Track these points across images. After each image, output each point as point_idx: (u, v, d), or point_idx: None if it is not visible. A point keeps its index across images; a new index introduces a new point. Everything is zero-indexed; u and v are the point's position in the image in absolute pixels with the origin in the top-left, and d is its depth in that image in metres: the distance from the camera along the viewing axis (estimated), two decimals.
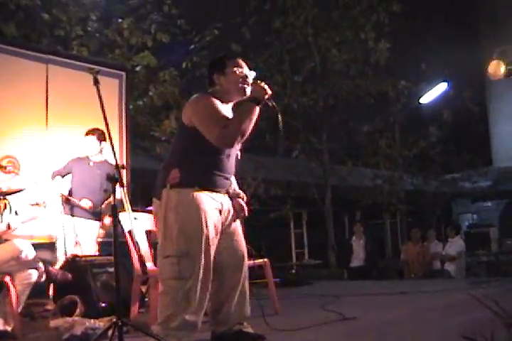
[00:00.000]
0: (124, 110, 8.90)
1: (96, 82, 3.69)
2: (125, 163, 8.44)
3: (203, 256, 3.82)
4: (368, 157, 17.08)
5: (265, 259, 5.80)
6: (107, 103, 8.23)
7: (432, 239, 13.10)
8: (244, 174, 12.99)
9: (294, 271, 11.38)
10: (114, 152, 3.54)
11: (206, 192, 3.94)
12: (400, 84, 15.72)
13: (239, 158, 4.23)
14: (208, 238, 3.85)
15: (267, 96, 3.95)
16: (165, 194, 3.89)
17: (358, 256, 12.88)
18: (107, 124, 3.67)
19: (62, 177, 7.11)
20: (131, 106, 10.36)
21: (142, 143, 12.34)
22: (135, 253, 5.08)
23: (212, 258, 3.89)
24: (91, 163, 7.15)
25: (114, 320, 3.21)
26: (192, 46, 13.27)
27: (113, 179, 3.34)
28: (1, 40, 8.70)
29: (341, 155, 16.83)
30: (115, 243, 3.31)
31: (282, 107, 13.81)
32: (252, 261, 5.47)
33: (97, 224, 7.06)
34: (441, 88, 16.88)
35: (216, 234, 3.97)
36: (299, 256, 17.03)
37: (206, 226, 3.85)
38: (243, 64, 4.16)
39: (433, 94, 17.03)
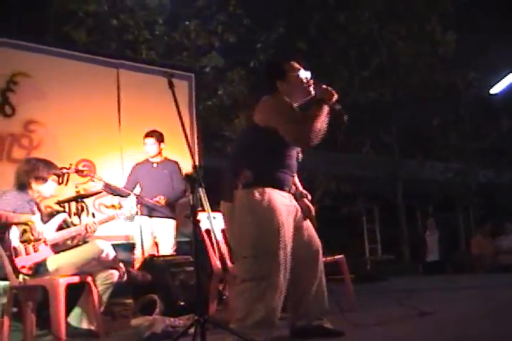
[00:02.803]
0: (194, 111, 9.04)
1: (171, 85, 3.75)
2: (198, 164, 8.55)
3: (281, 255, 3.83)
4: (439, 150, 16.89)
5: (341, 255, 5.85)
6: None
7: (508, 232, 12.89)
8: (315, 170, 13.02)
9: (368, 267, 11.35)
10: (192, 153, 3.59)
11: (277, 191, 3.95)
12: (469, 75, 15.51)
13: (299, 159, 4.26)
14: (284, 237, 3.86)
15: (334, 100, 3.95)
16: (238, 195, 3.90)
17: (432, 250, 12.79)
18: (183, 125, 3.71)
19: (133, 189, 7.22)
20: (200, 107, 10.48)
21: (214, 143, 12.44)
22: (213, 252, 5.16)
23: (289, 256, 3.90)
24: (154, 165, 7.27)
25: (196, 317, 3.27)
26: (258, 45, 13.33)
27: (192, 179, 3.39)
28: (73, 47, 8.90)
29: (411, 149, 16.66)
30: (196, 242, 3.38)
31: (350, 102, 13.80)
32: (329, 257, 5.55)
33: (174, 222, 7.18)
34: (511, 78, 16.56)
35: (291, 232, 3.98)
36: (372, 252, 16.98)
37: (282, 226, 3.86)
38: (298, 65, 4.19)
39: (503, 84, 16.72)
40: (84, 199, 6.81)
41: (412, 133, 16.36)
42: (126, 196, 6.73)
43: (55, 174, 5.19)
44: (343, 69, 14.70)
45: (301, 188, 4.38)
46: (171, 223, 7.12)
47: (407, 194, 15.63)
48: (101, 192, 7.24)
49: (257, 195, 3.87)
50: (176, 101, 3.73)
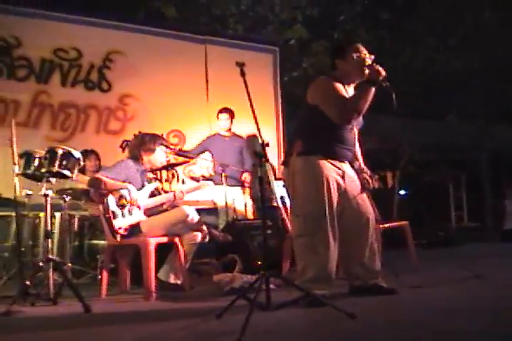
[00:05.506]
0: (278, 82, 9.49)
1: (243, 75, 4.24)
2: (282, 130, 9.10)
3: (327, 215, 4.38)
4: None
5: (405, 222, 6.28)
6: (262, 77, 8.82)
7: None
8: (400, 140, 13.22)
9: (441, 234, 11.44)
10: (259, 131, 4.09)
11: (328, 160, 4.52)
12: None
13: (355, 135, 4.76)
14: (330, 200, 4.42)
15: (381, 78, 4.35)
16: (292, 161, 4.55)
17: (510, 219, 12.83)
18: (252, 107, 4.17)
19: (199, 154, 7.93)
20: (285, 78, 10.89)
21: (297, 112, 12.73)
22: (286, 216, 5.70)
23: (335, 217, 4.44)
24: (226, 139, 7.89)
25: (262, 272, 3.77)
26: (342, 17, 13.49)
27: (259, 155, 3.94)
28: (161, 24, 9.39)
29: (498, 117, 16.55)
30: (263, 208, 3.90)
31: (435, 71, 13.85)
32: (395, 223, 6.02)
33: (247, 191, 7.88)
34: None
35: (337, 196, 4.52)
36: (458, 219, 17.01)
37: (327, 190, 4.42)
38: (362, 48, 4.62)
39: None
40: (175, 168, 7.46)
41: (498, 101, 16.23)
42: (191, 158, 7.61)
43: (161, 144, 5.81)
44: (428, 38, 14.69)
45: (361, 163, 4.91)
46: (246, 191, 7.84)
47: (493, 162, 15.64)
48: (189, 161, 7.86)
49: (306, 161, 4.48)
50: (246, 88, 4.20)
